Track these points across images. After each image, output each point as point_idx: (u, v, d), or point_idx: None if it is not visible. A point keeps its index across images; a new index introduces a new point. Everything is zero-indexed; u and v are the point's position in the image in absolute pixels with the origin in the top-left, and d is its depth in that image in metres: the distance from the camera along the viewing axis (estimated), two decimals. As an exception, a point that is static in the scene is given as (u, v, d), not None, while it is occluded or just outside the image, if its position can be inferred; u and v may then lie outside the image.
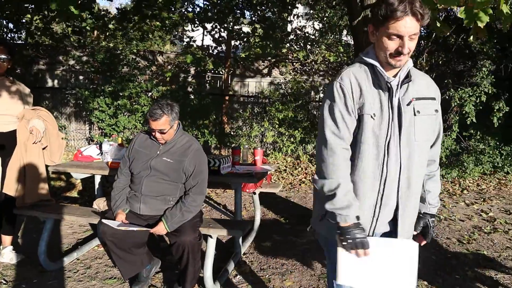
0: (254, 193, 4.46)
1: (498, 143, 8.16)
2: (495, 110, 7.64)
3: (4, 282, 3.30)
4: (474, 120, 7.58)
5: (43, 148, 3.54)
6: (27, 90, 3.59)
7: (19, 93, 3.46)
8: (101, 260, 3.79)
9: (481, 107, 7.65)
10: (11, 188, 3.34)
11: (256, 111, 9.04)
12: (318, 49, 9.23)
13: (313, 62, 9.30)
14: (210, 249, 3.13)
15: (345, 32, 9.46)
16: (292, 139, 8.30)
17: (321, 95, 9.50)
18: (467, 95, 7.54)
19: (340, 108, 1.65)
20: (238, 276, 3.51)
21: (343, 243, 1.64)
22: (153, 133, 3.01)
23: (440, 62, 8.21)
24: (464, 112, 7.60)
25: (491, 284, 3.52)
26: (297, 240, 4.36)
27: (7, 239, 3.62)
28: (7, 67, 3.36)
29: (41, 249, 3.46)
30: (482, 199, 6.46)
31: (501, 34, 7.22)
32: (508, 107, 7.65)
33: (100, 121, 8.00)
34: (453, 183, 7.47)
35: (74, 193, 5.98)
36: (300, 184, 6.92)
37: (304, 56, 9.09)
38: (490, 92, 7.52)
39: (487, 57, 7.67)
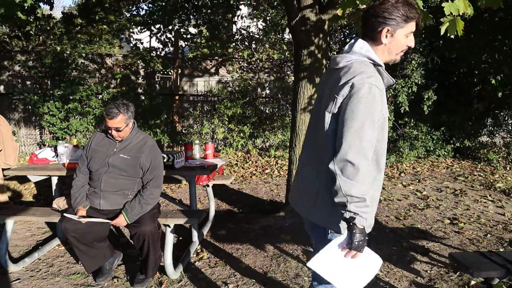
0: (208, 185, 4.60)
1: (429, 129, 8.72)
2: (425, 99, 8.16)
3: (-33, 284, 3.29)
4: (407, 109, 8.08)
5: (-1, 152, 3.53)
6: (-22, 97, 3.57)
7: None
8: (63, 258, 3.82)
9: (413, 97, 8.16)
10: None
11: (206, 109, 9.17)
12: (262, 47, 9.46)
13: (258, 60, 9.53)
14: (169, 237, 3.27)
15: (287, 30, 9.73)
16: (241, 135, 8.50)
17: (267, 91, 9.75)
18: (400, 86, 8.02)
19: (378, 113, 1.69)
20: (197, 262, 3.66)
21: (355, 241, 1.65)
22: (110, 131, 3.10)
23: (375, 56, 8.63)
24: (398, 102, 8.07)
25: (422, 251, 3.87)
26: (250, 226, 4.56)
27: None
28: None
29: (1, 251, 3.46)
30: (417, 180, 6.93)
31: (428, 29, 7.72)
32: (436, 96, 8.19)
33: (51, 125, 7.86)
34: (392, 168, 7.94)
35: (29, 197, 5.89)
36: (251, 176, 7.13)
37: (249, 55, 9.29)
38: (420, 83, 8.04)
39: (416, 51, 8.18)
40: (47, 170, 3.85)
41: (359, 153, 1.63)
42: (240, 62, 9.93)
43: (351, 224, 1.65)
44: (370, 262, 1.77)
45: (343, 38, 9.13)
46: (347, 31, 9.21)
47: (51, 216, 3.45)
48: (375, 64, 1.80)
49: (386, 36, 1.79)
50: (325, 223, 1.85)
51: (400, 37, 1.79)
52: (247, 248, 3.97)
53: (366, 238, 1.69)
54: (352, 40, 1.88)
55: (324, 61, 4.47)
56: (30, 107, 8.35)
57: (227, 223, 4.69)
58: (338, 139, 1.70)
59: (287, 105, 9.18)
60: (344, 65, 1.81)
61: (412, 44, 1.83)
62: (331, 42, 8.52)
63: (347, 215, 1.65)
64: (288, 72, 9.69)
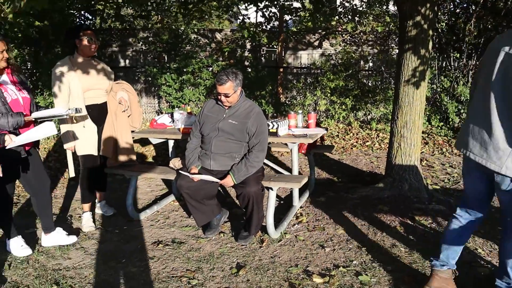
0: (309, 154, 4.63)
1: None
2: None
3: (102, 228, 3.73)
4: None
5: (128, 116, 3.88)
6: (109, 68, 3.92)
7: (104, 71, 3.79)
8: (177, 212, 4.15)
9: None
10: (107, 150, 3.70)
11: (309, 81, 9.11)
12: (366, 20, 9.07)
13: (361, 33, 9.18)
14: (272, 199, 3.38)
15: (391, 2, 9.22)
16: (343, 107, 8.34)
17: (370, 64, 9.40)
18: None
19: None
20: (296, 225, 3.74)
21: None
22: (219, 97, 3.25)
23: (489, 26, 7.84)
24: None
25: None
26: (348, 195, 4.51)
27: (101, 195, 4.04)
28: (95, 50, 3.67)
29: (128, 202, 3.85)
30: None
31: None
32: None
33: (167, 95, 8.43)
34: None
35: (149, 158, 6.42)
36: (351, 148, 7.00)
37: (353, 28, 8.97)
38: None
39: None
40: (165, 134, 4.16)
41: None
42: (344, 35, 9.64)
43: None
44: None
45: (452, 8, 8.40)
46: (457, 1, 8.45)
47: (168, 174, 3.74)
48: None
49: None
50: None
51: None
52: (345, 216, 3.95)
53: None
54: None
55: (430, 32, 4.17)
56: (150, 78, 9.00)
57: (326, 191, 4.70)
58: None
59: (391, 78, 8.78)
60: None
61: None
62: (439, 13, 7.91)
63: None
64: (392, 45, 9.21)
